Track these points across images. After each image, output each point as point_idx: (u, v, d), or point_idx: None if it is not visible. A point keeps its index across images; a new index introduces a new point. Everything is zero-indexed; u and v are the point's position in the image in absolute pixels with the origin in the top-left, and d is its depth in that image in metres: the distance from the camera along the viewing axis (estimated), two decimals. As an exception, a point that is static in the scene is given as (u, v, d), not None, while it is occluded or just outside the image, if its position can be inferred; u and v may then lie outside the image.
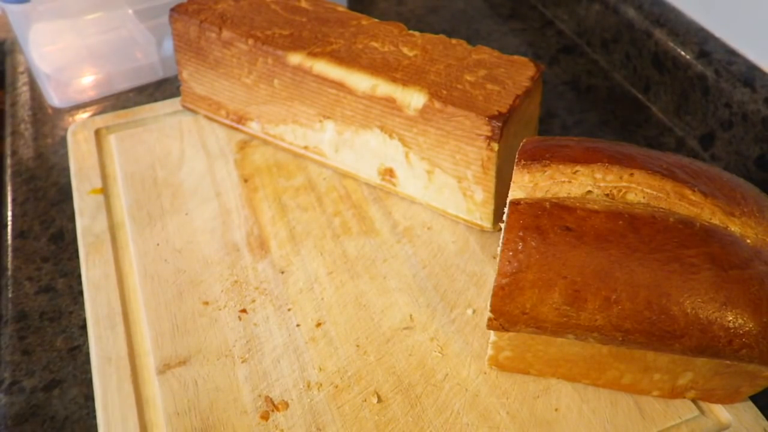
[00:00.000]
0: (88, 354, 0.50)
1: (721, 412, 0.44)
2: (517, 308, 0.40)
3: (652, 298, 0.38)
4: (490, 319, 0.41)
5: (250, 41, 0.58)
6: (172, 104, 0.68)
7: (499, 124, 0.49)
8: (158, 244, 0.55)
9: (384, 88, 0.54)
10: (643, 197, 0.40)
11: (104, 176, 0.61)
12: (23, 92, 0.75)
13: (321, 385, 0.46)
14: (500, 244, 0.41)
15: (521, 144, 0.45)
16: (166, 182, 0.60)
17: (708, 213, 0.40)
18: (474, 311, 0.50)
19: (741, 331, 0.38)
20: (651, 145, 0.67)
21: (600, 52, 0.78)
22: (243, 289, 0.52)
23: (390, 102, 0.53)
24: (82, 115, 0.71)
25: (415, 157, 0.55)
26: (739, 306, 0.37)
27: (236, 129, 0.65)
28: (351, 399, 0.45)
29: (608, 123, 0.70)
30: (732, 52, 0.62)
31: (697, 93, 0.64)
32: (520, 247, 0.39)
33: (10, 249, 0.58)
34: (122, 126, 0.66)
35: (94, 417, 0.46)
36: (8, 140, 0.69)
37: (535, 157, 0.43)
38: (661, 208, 0.40)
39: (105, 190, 0.60)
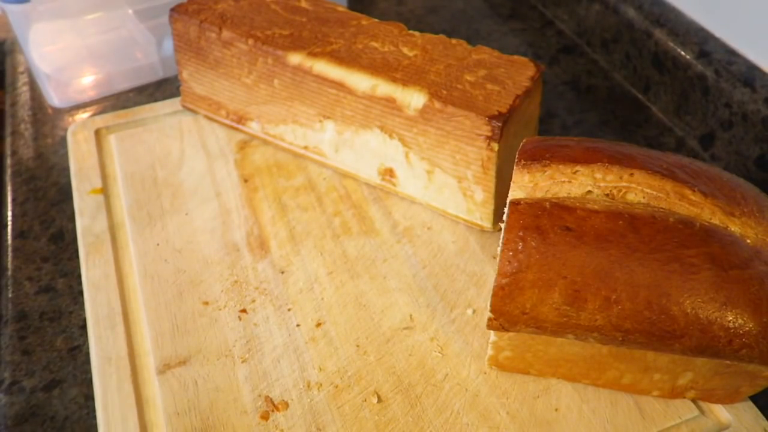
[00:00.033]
0: (88, 354, 0.50)
1: (721, 412, 0.44)
2: (517, 308, 0.40)
3: (652, 298, 0.38)
4: (490, 319, 0.41)
5: (250, 41, 0.58)
6: (172, 104, 0.68)
7: (499, 124, 0.49)
8: (158, 244, 0.55)
9: (384, 88, 0.54)
10: (643, 197, 0.40)
11: (104, 176, 0.61)
12: (23, 92, 0.75)
13: (321, 385, 0.46)
14: (500, 244, 0.41)
15: (521, 144, 0.45)
16: (166, 182, 0.60)
17: (708, 213, 0.40)
18: (474, 311, 0.50)
19: (741, 331, 0.38)
20: (651, 145, 0.67)
21: (600, 52, 0.78)
22: (243, 289, 0.52)
23: (390, 102, 0.53)
24: (82, 115, 0.71)
25: (415, 157, 0.55)
26: (739, 306, 0.37)
27: (236, 129, 0.65)
28: (351, 399, 0.45)
29: (608, 123, 0.70)
30: (732, 52, 0.62)
31: (697, 93, 0.64)
32: (520, 247, 0.39)
33: (10, 249, 0.58)
34: (122, 126, 0.66)
35: (94, 417, 0.46)
36: (8, 140, 0.69)
37: (535, 157, 0.43)
38: (661, 208, 0.40)
39: (105, 190, 0.60)
